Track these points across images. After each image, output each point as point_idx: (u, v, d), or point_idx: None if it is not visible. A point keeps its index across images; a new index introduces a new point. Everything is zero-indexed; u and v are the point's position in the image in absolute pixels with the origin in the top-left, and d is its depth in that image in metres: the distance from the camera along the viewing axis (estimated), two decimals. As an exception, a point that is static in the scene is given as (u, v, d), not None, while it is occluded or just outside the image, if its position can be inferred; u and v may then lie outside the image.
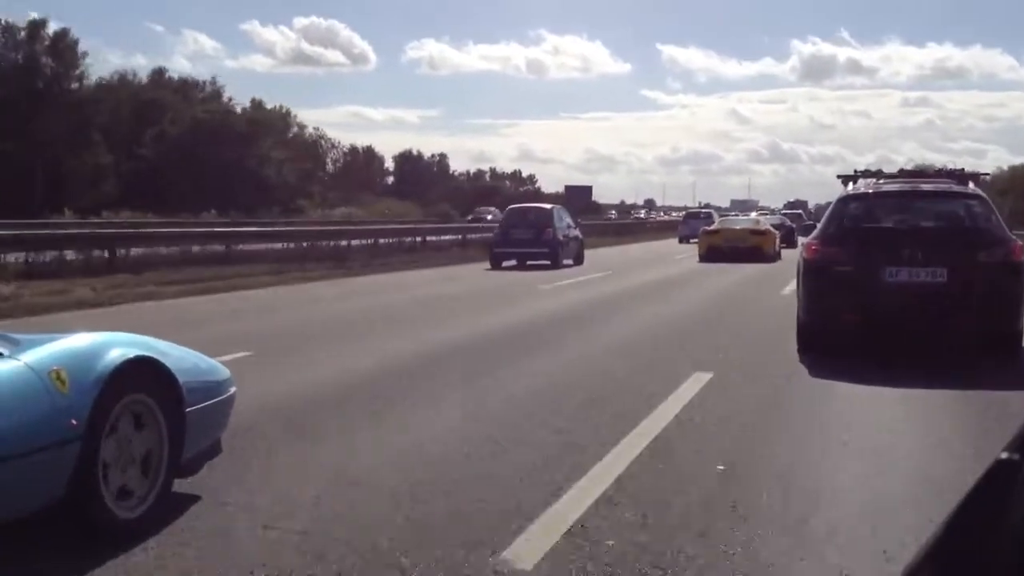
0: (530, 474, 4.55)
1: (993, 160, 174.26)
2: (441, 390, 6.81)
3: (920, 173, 13.54)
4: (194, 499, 4.10)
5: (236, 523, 3.83)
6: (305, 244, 24.18)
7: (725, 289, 16.61)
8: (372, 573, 3.34)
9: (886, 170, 12.24)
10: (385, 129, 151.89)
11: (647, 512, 3.95)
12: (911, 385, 6.93)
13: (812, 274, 8.37)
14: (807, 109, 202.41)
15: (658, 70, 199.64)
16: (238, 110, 72.88)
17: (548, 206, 25.82)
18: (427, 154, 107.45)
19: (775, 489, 4.32)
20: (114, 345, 3.79)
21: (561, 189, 77.33)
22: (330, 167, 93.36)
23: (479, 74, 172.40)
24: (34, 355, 3.50)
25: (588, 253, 25.74)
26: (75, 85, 60.06)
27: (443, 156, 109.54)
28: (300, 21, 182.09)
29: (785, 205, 74.12)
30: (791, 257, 17.43)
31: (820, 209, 39.10)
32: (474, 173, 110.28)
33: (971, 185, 9.93)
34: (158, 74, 74.11)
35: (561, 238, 23.41)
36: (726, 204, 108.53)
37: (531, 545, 3.58)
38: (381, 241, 27.74)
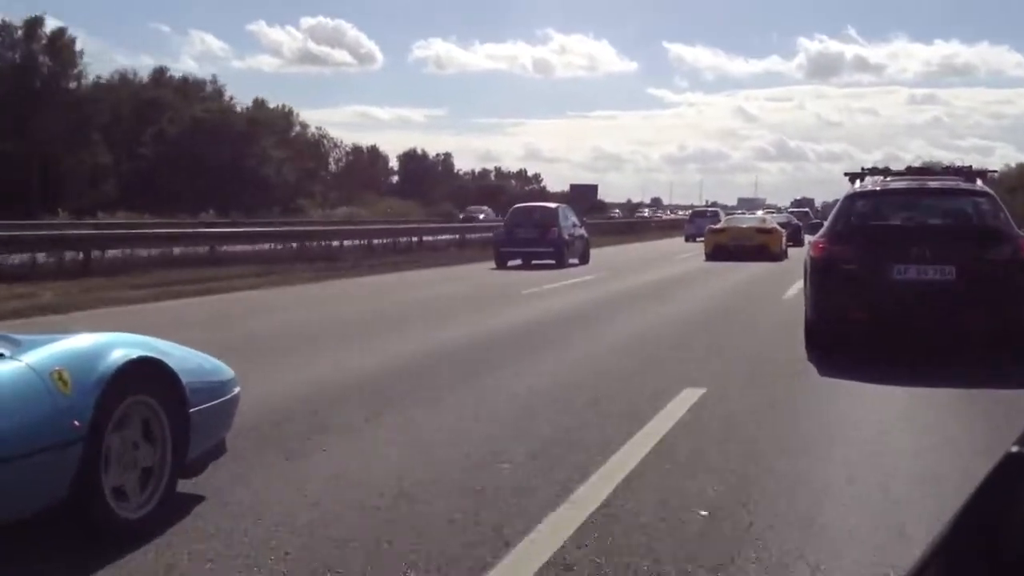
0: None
1: (1001, 157, 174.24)
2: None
3: (927, 170, 13.53)
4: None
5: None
6: (295, 245, 23.77)
7: (733, 287, 16.57)
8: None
9: (893, 167, 12.24)
10: (391, 128, 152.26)
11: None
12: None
13: (819, 272, 8.34)
14: (814, 107, 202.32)
15: (665, 68, 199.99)
16: (239, 109, 72.32)
17: (553, 205, 25.77)
18: (432, 153, 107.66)
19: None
20: (117, 345, 3.78)
21: (567, 188, 77.09)
22: (333, 167, 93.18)
23: (485, 73, 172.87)
24: (36, 356, 3.49)
25: (594, 252, 25.67)
26: (73, 84, 59.47)
27: (448, 155, 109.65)
28: (307, 21, 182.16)
29: (792, 203, 73.83)
30: (798, 256, 17.39)
31: (827, 207, 38.96)
32: (479, 172, 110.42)
33: (979, 182, 9.91)
34: (159, 73, 73.63)
35: (566, 237, 23.30)
36: (733, 202, 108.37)
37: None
38: (375, 242, 27.28)
